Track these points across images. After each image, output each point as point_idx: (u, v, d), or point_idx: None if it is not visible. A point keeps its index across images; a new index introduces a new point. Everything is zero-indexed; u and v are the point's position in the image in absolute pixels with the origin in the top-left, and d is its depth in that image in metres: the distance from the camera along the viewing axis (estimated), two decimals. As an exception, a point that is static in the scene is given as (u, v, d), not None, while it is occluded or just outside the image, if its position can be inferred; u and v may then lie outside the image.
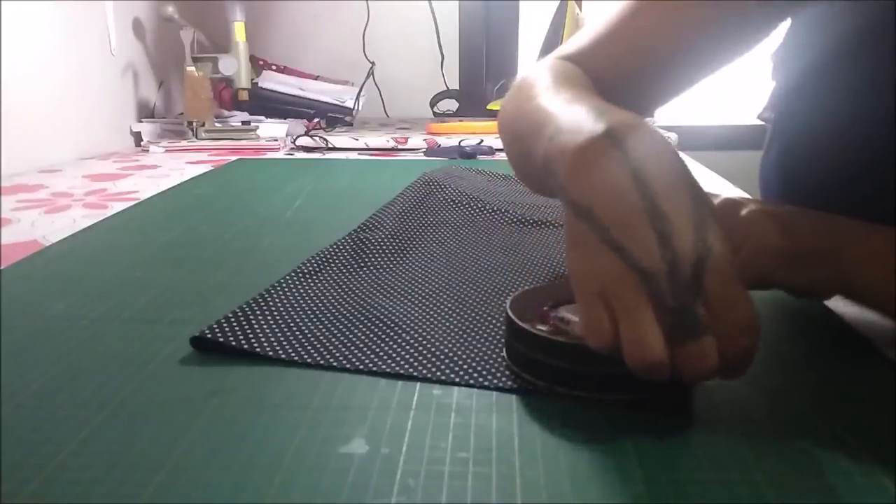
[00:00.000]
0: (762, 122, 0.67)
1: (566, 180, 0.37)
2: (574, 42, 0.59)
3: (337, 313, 0.50)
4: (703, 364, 0.32)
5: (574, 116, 0.40)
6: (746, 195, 0.62)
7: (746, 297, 0.33)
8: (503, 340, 0.45)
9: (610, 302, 0.33)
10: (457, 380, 0.41)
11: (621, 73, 0.56)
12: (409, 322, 0.49)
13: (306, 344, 0.45)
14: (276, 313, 0.49)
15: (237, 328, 0.46)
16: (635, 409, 0.38)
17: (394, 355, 0.44)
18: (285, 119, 1.54)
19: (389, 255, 0.64)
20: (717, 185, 1.02)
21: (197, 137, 1.43)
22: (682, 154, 1.29)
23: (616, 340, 0.33)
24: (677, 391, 0.39)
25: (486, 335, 0.47)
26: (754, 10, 0.52)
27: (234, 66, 1.49)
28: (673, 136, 1.35)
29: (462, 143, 1.30)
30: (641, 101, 0.59)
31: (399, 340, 0.46)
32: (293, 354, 0.44)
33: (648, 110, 0.62)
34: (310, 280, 0.56)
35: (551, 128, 0.41)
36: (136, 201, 0.90)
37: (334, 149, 1.35)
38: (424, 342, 0.46)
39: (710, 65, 0.56)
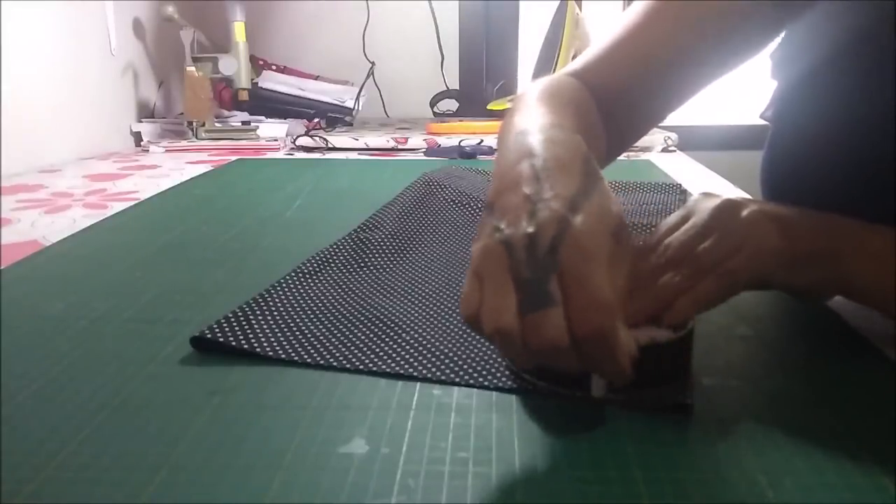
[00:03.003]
0: (764, 122, 0.67)
1: (489, 190, 0.39)
2: (582, 57, 0.60)
3: (337, 313, 0.50)
4: (544, 335, 0.32)
5: (518, 136, 0.42)
6: (747, 195, 0.63)
7: (601, 276, 0.33)
8: None
9: (481, 277, 0.35)
10: (457, 380, 0.41)
11: (628, 83, 0.57)
12: (409, 322, 0.49)
13: (306, 344, 0.45)
14: (276, 313, 0.49)
15: (237, 328, 0.46)
16: (634, 409, 0.38)
17: (394, 355, 0.44)
18: (285, 119, 1.54)
19: (389, 255, 0.64)
20: (718, 185, 1.02)
21: (197, 137, 1.43)
22: (681, 154, 1.27)
23: (479, 311, 0.34)
24: (677, 391, 0.39)
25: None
26: (757, 15, 0.52)
27: (234, 66, 1.49)
28: (673, 136, 1.35)
29: (462, 143, 1.30)
30: (649, 110, 0.59)
31: (399, 340, 0.46)
32: (293, 354, 0.44)
33: (656, 119, 0.62)
34: (310, 280, 0.56)
35: (503, 148, 0.43)
36: (136, 201, 0.90)
37: (334, 149, 1.35)
38: (424, 342, 0.46)
39: (716, 71, 0.56)
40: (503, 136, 0.47)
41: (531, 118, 0.46)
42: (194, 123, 1.43)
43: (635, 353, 0.34)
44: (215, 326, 0.46)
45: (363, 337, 0.47)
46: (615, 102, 0.56)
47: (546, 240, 0.33)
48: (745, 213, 0.45)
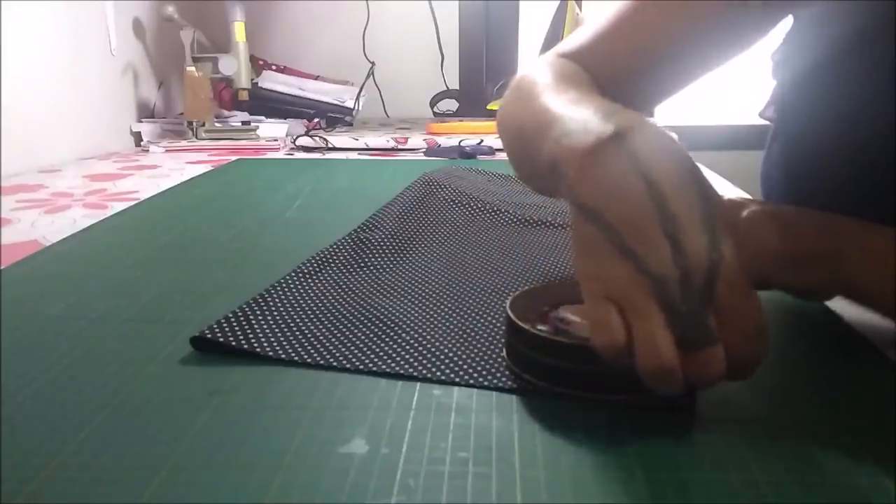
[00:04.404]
0: (764, 121, 0.67)
1: (575, 182, 0.36)
2: (573, 39, 0.60)
3: (337, 313, 0.50)
4: (712, 371, 0.32)
5: (581, 117, 0.39)
6: (747, 195, 0.63)
7: (756, 305, 0.33)
8: (503, 340, 0.45)
9: (621, 305, 0.33)
10: (457, 380, 0.41)
11: (620, 69, 0.56)
12: (409, 322, 0.49)
13: (306, 344, 0.45)
14: (276, 313, 0.49)
15: (237, 328, 0.46)
16: (635, 409, 0.38)
17: (394, 355, 0.44)
18: (285, 119, 1.54)
19: (389, 255, 0.64)
20: (718, 186, 1.02)
21: (197, 137, 1.43)
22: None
23: (625, 342, 0.33)
24: (679, 393, 0.39)
25: (486, 335, 0.47)
26: (754, 7, 0.52)
27: (234, 66, 1.49)
28: (673, 136, 1.35)
29: (462, 143, 1.30)
30: (640, 98, 0.59)
31: (399, 340, 0.46)
32: (293, 354, 0.44)
33: (647, 108, 0.62)
34: (310, 280, 0.56)
35: (557, 129, 0.41)
36: (136, 201, 0.90)
37: (334, 149, 1.35)
38: (424, 342, 0.46)
39: (709, 62, 0.56)
40: (536, 118, 0.45)
41: (573, 97, 0.43)
42: (194, 123, 1.43)
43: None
44: (215, 326, 0.46)
45: (363, 337, 0.47)
46: (607, 87, 0.54)
47: (701, 276, 0.32)
48: (745, 213, 0.45)
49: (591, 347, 0.38)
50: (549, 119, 0.43)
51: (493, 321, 0.49)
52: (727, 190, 0.95)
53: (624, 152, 0.35)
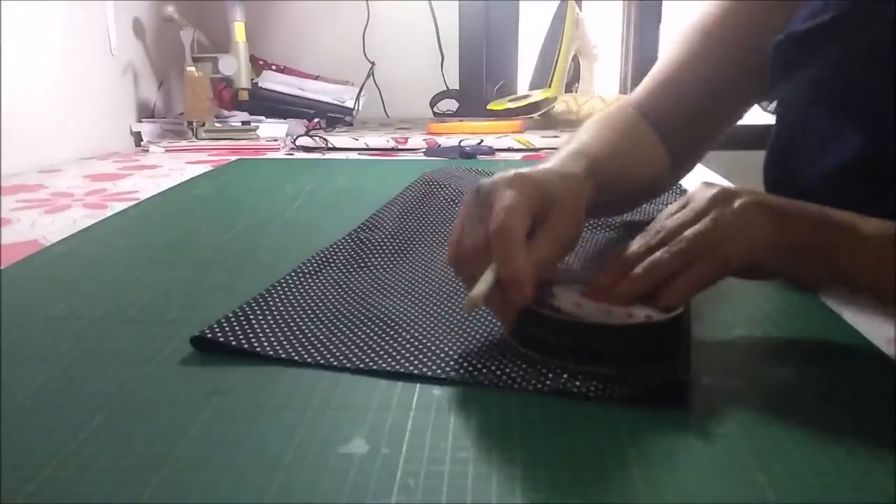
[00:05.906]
0: (764, 121, 0.68)
1: None
2: (643, 85, 0.69)
3: (337, 313, 0.50)
4: (471, 240, 0.45)
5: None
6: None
7: (506, 200, 0.44)
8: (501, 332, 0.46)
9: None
10: (457, 379, 0.41)
11: (676, 111, 0.66)
12: (409, 322, 0.49)
13: (306, 344, 0.45)
14: (276, 313, 0.49)
15: (237, 328, 0.46)
16: (634, 409, 0.38)
17: (394, 354, 0.44)
18: (285, 119, 1.54)
19: (389, 255, 0.64)
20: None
21: (197, 137, 1.43)
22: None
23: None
24: (674, 370, 0.39)
25: (485, 335, 0.47)
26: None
27: (234, 66, 1.49)
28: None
29: (462, 143, 1.30)
30: (700, 133, 0.68)
31: (399, 340, 0.46)
32: (293, 354, 0.44)
33: (710, 143, 0.70)
34: (310, 280, 0.56)
35: None
36: (136, 201, 0.90)
37: (334, 149, 1.35)
38: (424, 342, 0.46)
39: (756, 97, 0.65)
40: None
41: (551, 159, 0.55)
42: (194, 123, 1.43)
43: (533, 277, 0.42)
44: (215, 326, 0.46)
45: (363, 337, 0.47)
46: (668, 127, 0.66)
47: (483, 193, 0.47)
48: (738, 202, 0.45)
49: (579, 323, 0.42)
50: None
51: (493, 321, 0.49)
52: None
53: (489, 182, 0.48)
